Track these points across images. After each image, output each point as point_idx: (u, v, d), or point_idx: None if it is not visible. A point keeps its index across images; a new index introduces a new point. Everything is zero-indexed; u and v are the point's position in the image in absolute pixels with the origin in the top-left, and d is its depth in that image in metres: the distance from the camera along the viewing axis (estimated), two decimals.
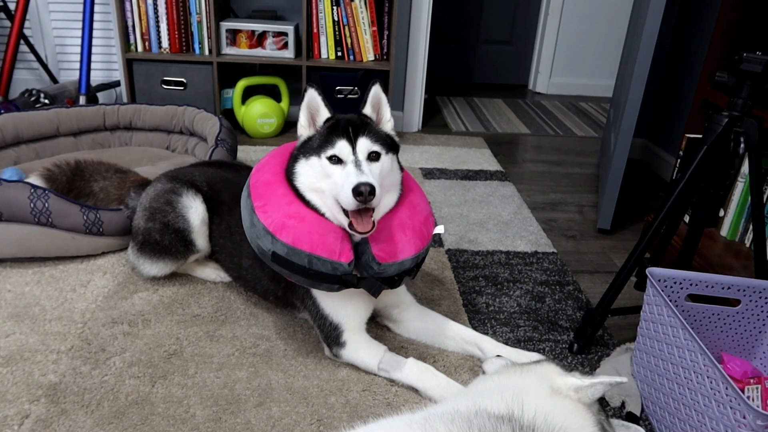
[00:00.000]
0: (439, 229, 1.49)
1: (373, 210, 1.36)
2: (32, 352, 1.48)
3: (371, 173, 1.33)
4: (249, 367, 1.48)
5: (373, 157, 1.38)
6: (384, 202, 1.43)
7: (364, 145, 1.37)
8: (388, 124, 1.50)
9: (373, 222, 1.34)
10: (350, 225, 1.34)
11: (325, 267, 1.34)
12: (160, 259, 1.74)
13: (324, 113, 1.45)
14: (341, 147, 1.36)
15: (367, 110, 1.48)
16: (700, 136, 1.48)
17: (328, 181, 1.36)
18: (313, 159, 1.39)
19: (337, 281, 1.36)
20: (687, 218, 1.98)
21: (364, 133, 1.38)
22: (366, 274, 1.39)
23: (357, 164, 1.34)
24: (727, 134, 1.42)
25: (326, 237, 1.35)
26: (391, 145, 1.45)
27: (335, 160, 1.36)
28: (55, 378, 1.40)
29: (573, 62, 4.68)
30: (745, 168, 1.97)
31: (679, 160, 2.17)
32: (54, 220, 1.82)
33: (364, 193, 1.26)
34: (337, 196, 1.33)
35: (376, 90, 1.47)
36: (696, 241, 1.59)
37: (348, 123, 1.40)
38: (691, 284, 1.44)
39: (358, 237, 1.39)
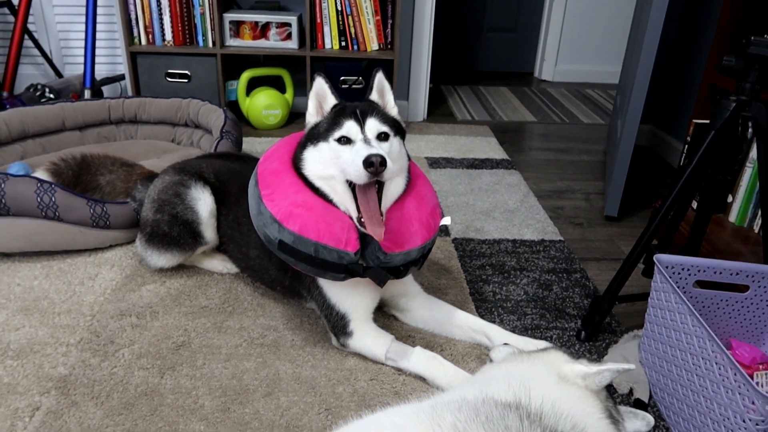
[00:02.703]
0: (446, 221, 1.49)
1: (381, 191, 1.36)
2: (42, 345, 1.49)
3: (383, 149, 1.34)
4: (257, 358, 1.48)
5: (382, 137, 1.39)
6: (392, 188, 1.44)
7: (373, 125, 1.38)
8: (393, 111, 1.51)
9: (382, 213, 1.35)
10: (360, 221, 1.34)
11: (332, 256, 1.34)
12: (168, 250, 1.75)
13: (331, 100, 1.46)
14: (349, 127, 1.37)
15: (374, 96, 1.50)
16: (708, 121, 1.47)
17: (337, 162, 1.36)
18: (321, 144, 1.40)
19: (343, 270, 1.37)
20: (695, 204, 1.97)
21: (372, 114, 1.40)
22: (372, 264, 1.39)
23: (366, 141, 1.35)
24: (735, 119, 1.41)
25: (333, 226, 1.35)
26: (398, 129, 1.45)
27: (344, 140, 1.37)
28: (65, 370, 1.41)
29: (579, 49, 4.64)
30: (753, 153, 1.95)
31: (686, 146, 2.15)
32: (61, 214, 1.83)
33: (375, 163, 1.26)
34: (347, 172, 1.33)
35: (380, 77, 1.49)
36: (704, 228, 1.58)
37: (355, 107, 1.41)
38: (699, 270, 1.43)
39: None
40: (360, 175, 1.29)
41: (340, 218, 1.37)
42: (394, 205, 1.44)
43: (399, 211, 1.43)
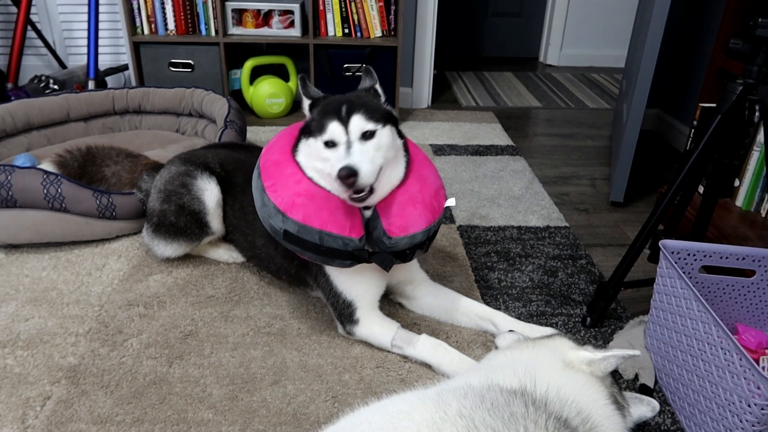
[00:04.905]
0: (451, 202, 1.49)
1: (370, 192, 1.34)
2: (51, 335, 1.51)
3: (364, 153, 1.31)
4: (264, 347, 1.49)
5: (368, 135, 1.34)
6: (390, 175, 1.41)
7: (357, 124, 1.34)
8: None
9: (371, 188, 1.32)
10: (350, 197, 1.33)
11: (336, 243, 1.34)
12: (174, 240, 1.76)
13: (305, 101, 1.47)
14: (332, 130, 1.34)
15: (378, 86, 1.48)
16: (715, 105, 1.46)
17: (325, 165, 1.36)
18: (311, 140, 1.39)
19: (349, 257, 1.37)
20: (701, 189, 1.96)
21: (358, 110, 1.35)
22: (378, 249, 1.39)
23: (348, 145, 1.32)
24: (742, 102, 1.40)
25: (336, 213, 1.35)
26: (389, 117, 1.41)
27: (330, 144, 1.35)
28: (74, 360, 1.43)
29: (584, 33, 4.59)
30: (760, 137, 1.93)
31: (693, 130, 2.14)
32: (67, 206, 1.84)
33: (350, 175, 1.24)
34: (332, 177, 1.32)
35: (371, 71, 1.50)
36: (710, 212, 1.57)
37: (341, 103, 1.37)
38: (705, 256, 1.43)
39: (368, 213, 1.39)
40: (339, 191, 1.31)
41: (343, 205, 1.37)
42: (397, 189, 1.43)
43: (402, 194, 1.42)
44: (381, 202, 1.40)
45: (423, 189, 1.45)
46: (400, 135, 1.47)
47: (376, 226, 1.37)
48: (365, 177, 1.27)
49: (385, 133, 1.38)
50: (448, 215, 2.20)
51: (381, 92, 1.48)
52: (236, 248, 1.84)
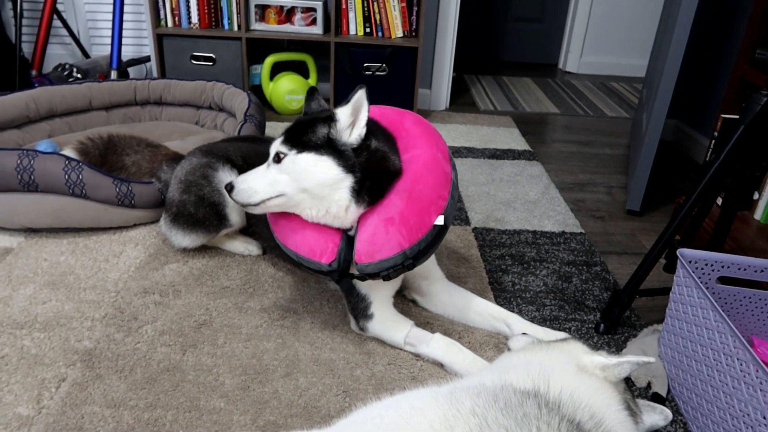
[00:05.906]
0: (438, 221, 1.38)
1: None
2: (68, 318, 1.53)
3: (260, 175, 1.40)
4: (277, 339, 1.50)
5: (279, 157, 1.37)
6: (325, 205, 1.36)
7: (275, 145, 1.40)
8: (357, 130, 1.34)
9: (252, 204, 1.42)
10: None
11: (310, 264, 1.38)
12: (192, 231, 1.78)
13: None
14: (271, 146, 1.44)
15: (346, 110, 1.34)
16: (736, 116, 1.45)
17: None
18: None
19: (326, 275, 1.39)
20: (719, 201, 1.94)
21: (286, 132, 1.40)
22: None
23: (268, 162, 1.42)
24: (766, 114, 1.39)
25: (309, 238, 1.38)
26: (318, 145, 1.34)
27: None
28: (90, 344, 1.44)
29: (605, 41, 4.57)
30: None
31: (713, 142, 2.12)
32: (88, 192, 1.86)
33: (230, 189, 1.42)
34: None
35: (360, 95, 1.32)
36: (729, 224, 1.56)
37: (294, 122, 1.43)
38: (722, 266, 1.42)
39: (353, 232, 1.39)
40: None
41: (318, 229, 1.39)
42: (373, 209, 1.36)
43: (380, 213, 1.35)
44: (361, 218, 1.37)
45: (406, 207, 1.33)
46: (352, 166, 1.33)
47: (353, 247, 1.36)
48: (237, 195, 1.41)
49: (296, 160, 1.34)
50: (463, 216, 2.20)
51: (338, 117, 1.34)
52: (258, 240, 1.86)
